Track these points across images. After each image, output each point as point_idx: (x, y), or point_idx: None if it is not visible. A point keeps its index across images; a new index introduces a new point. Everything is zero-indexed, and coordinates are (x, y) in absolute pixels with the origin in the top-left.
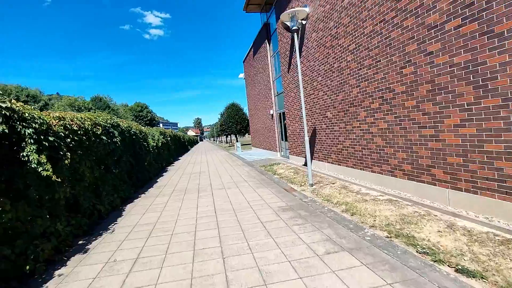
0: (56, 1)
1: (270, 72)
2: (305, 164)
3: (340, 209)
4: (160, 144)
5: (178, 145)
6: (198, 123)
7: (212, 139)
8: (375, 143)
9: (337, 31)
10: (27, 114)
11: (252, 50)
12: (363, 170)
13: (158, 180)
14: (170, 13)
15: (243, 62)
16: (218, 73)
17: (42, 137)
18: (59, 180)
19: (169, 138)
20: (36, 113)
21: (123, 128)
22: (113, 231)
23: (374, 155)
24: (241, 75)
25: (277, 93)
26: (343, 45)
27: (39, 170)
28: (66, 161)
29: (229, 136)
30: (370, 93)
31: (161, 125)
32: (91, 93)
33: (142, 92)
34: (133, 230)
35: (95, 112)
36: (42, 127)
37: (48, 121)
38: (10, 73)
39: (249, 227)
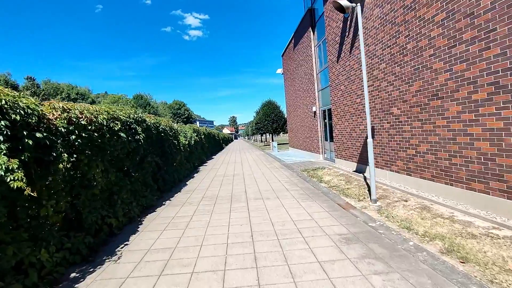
0: (107, 6)
1: (314, 64)
2: (357, 171)
3: (436, 247)
4: (192, 142)
5: (213, 143)
6: (233, 121)
7: (246, 137)
8: (478, 149)
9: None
10: (3, 102)
11: (293, 41)
12: (452, 185)
13: (188, 182)
14: (209, 14)
15: (282, 56)
16: (255, 71)
17: (24, 132)
18: (34, 194)
19: (202, 136)
20: (24, 101)
21: (149, 124)
22: (119, 259)
23: (474, 166)
24: (279, 70)
25: (321, 87)
26: (424, 17)
27: (7, 180)
28: (61, 165)
29: (264, 135)
30: (471, 79)
31: (197, 122)
32: (135, 92)
33: (181, 91)
34: (143, 260)
35: (137, 109)
36: (29, 119)
37: (40, 112)
38: (63, 73)
39: (301, 270)
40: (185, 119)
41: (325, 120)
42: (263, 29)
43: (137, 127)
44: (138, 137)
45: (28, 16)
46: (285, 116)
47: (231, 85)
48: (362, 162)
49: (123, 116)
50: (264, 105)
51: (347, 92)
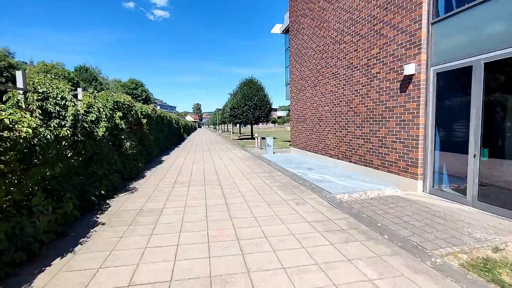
0: None
1: None
2: None
3: None
4: (103, 131)
5: (168, 133)
6: (197, 109)
7: (212, 126)
8: None
9: None
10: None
11: None
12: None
13: None
14: None
15: None
16: (222, 59)
17: None
18: None
19: (142, 117)
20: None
21: None
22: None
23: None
24: (278, 28)
25: (444, 15)
26: None
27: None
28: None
29: (239, 125)
30: None
31: (158, 107)
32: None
33: (143, 73)
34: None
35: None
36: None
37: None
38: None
39: None
40: (142, 101)
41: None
42: (231, 15)
43: None
44: None
45: None
46: (271, 102)
47: (196, 71)
48: None
49: None
50: (244, 84)
51: None
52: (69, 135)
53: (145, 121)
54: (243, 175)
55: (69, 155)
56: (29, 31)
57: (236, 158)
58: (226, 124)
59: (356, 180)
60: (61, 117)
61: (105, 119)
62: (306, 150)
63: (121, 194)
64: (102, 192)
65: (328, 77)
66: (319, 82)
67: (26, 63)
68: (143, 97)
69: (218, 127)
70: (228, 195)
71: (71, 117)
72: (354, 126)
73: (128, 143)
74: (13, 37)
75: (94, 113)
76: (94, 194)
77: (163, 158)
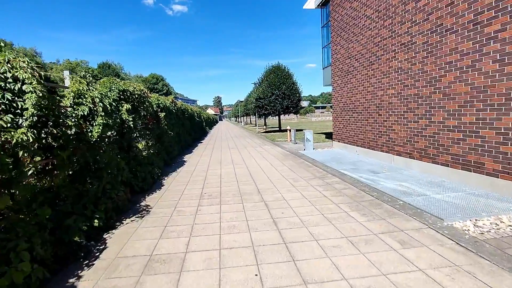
0: None
1: None
2: None
3: None
4: (99, 131)
5: (190, 128)
6: (218, 102)
7: (233, 119)
8: None
9: None
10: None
11: None
12: None
13: None
14: None
15: None
16: (243, 52)
17: None
18: None
19: (159, 110)
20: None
21: None
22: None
23: None
24: (312, 1)
25: None
26: None
27: None
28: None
29: (264, 117)
30: None
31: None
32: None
33: (163, 69)
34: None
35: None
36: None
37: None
38: (36, 43)
39: None
40: (163, 95)
41: None
42: (250, 6)
43: None
44: None
45: None
46: (300, 91)
47: (216, 65)
48: None
49: None
50: (271, 72)
51: None
52: (31, 140)
53: (163, 115)
54: (288, 182)
55: (30, 172)
56: (56, 34)
57: (271, 156)
58: (249, 116)
59: (460, 192)
60: (17, 110)
61: (103, 114)
62: (357, 146)
63: (127, 220)
64: (95, 224)
65: (394, 50)
66: (378, 59)
67: (54, 63)
68: (164, 91)
69: (240, 120)
70: (281, 221)
71: (31, 111)
72: (443, 114)
73: (141, 144)
74: (40, 39)
75: (87, 105)
76: (82, 229)
77: (185, 157)
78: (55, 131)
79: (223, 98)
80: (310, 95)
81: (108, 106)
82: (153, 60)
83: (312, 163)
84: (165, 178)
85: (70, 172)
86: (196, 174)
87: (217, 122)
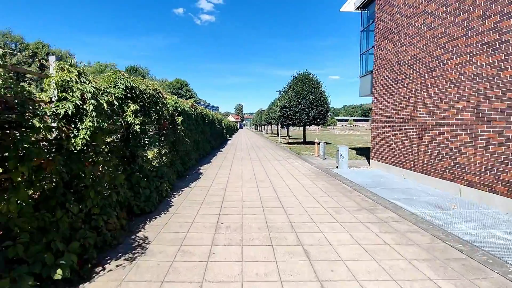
0: None
1: None
2: None
3: None
4: (86, 137)
5: (210, 135)
6: (239, 109)
7: (253, 127)
8: None
9: None
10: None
11: None
12: None
13: None
14: None
15: None
16: (265, 61)
17: None
18: None
19: (176, 114)
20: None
21: None
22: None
23: None
24: (352, 3)
25: None
26: None
27: None
28: None
29: (283, 127)
30: None
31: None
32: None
33: (187, 75)
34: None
35: None
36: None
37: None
38: (74, 47)
39: None
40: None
41: None
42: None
43: None
44: None
45: None
46: (328, 101)
47: (239, 73)
48: None
49: None
50: (298, 80)
51: None
52: None
53: (180, 120)
54: (327, 213)
55: None
56: (90, 39)
57: (300, 174)
58: (271, 126)
59: None
60: None
61: (93, 115)
62: (404, 168)
63: (111, 264)
64: (57, 276)
65: (471, 52)
66: (443, 64)
67: (85, 65)
68: (187, 96)
69: (261, 128)
70: None
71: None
72: None
73: (152, 152)
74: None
75: (73, 101)
76: None
77: (202, 169)
78: (9, 134)
79: (244, 106)
80: (332, 107)
81: (104, 104)
82: (178, 66)
83: (352, 186)
84: (175, 196)
85: (36, 195)
86: (212, 193)
87: (237, 129)
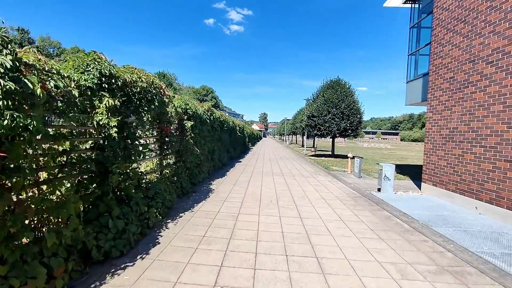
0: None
1: None
2: None
3: None
4: None
5: (229, 143)
6: (263, 118)
7: (277, 136)
8: None
9: None
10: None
11: None
12: None
13: None
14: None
15: None
16: (291, 72)
17: None
18: None
19: (185, 117)
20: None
21: None
22: None
23: None
24: None
25: None
26: None
27: None
28: None
29: (309, 138)
30: None
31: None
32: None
33: (214, 83)
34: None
35: None
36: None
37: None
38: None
39: None
40: None
41: None
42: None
43: None
44: None
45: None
46: (362, 111)
47: (265, 83)
48: None
49: None
50: (328, 87)
51: None
52: None
53: (189, 125)
54: (391, 278)
55: None
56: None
57: (334, 198)
58: (295, 136)
59: None
60: None
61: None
62: (479, 199)
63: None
64: None
65: None
66: None
67: None
68: (212, 103)
69: (285, 138)
70: None
71: None
72: None
73: (152, 162)
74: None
75: None
76: None
77: (214, 184)
78: None
79: (269, 115)
80: None
81: (37, 93)
82: (206, 74)
83: (409, 223)
84: (168, 225)
85: None
86: (218, 223)
87: (261, 138)
